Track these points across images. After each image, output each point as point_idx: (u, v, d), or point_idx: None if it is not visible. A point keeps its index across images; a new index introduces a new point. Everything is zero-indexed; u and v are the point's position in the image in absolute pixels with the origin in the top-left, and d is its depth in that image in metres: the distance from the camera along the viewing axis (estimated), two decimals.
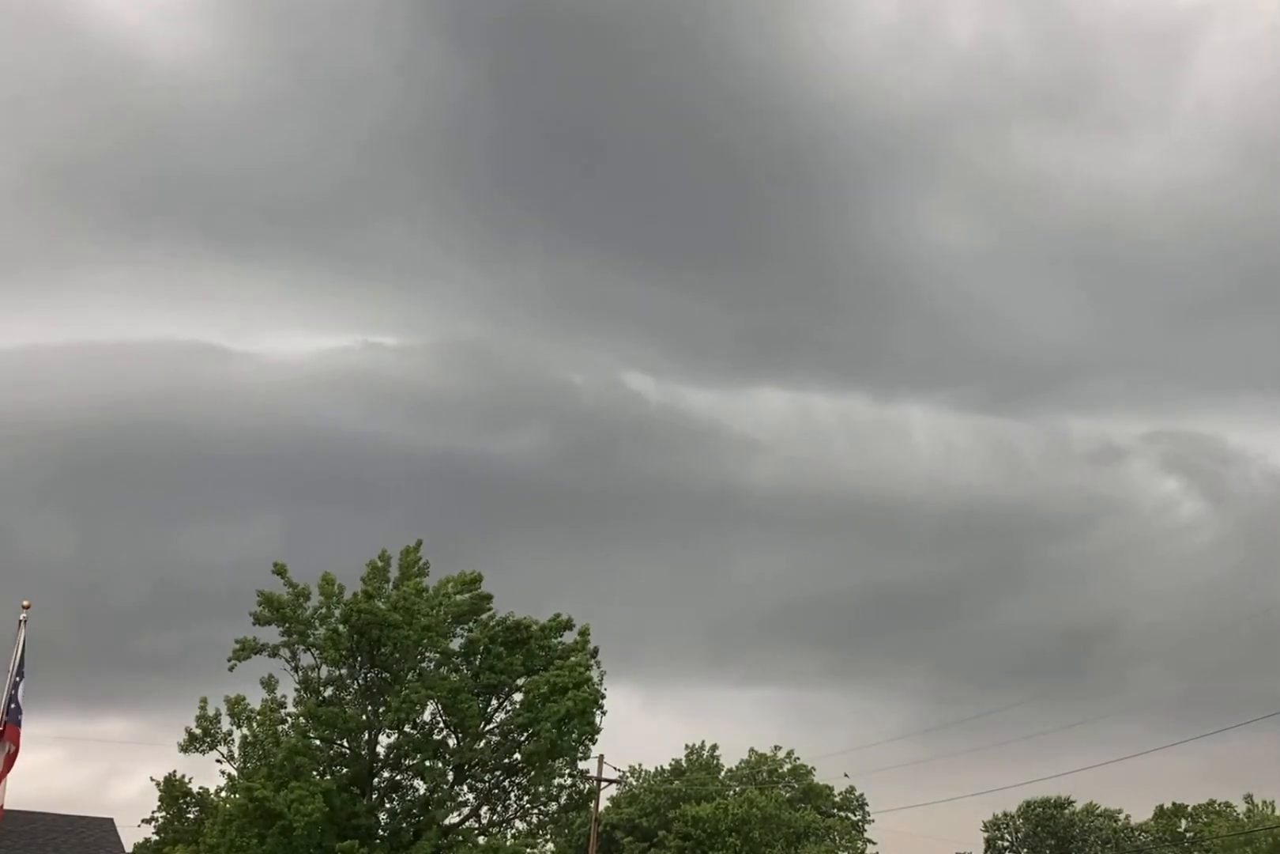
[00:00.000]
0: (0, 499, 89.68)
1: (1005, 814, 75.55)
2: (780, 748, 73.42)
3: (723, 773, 70.74)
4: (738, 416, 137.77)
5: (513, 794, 36.28)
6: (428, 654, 35.60)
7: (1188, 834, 71.30)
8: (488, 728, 35.82)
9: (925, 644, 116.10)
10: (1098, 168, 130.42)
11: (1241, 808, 68.35)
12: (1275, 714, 46.29)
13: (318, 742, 34.36)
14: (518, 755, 35.37)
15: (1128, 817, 74.23)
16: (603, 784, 48.80)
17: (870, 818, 73.14)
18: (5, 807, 19.84)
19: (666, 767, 70.23)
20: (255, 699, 35.08)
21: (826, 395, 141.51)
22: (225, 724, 34.61)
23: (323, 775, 33.78)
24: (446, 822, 34.44)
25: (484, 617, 36.62)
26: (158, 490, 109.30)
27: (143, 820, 54.51)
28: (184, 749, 34.64)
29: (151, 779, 55.36)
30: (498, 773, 35.82)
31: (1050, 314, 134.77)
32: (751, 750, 73.47)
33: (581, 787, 39.11)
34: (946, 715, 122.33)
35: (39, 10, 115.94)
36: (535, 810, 36.78)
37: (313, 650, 35.03)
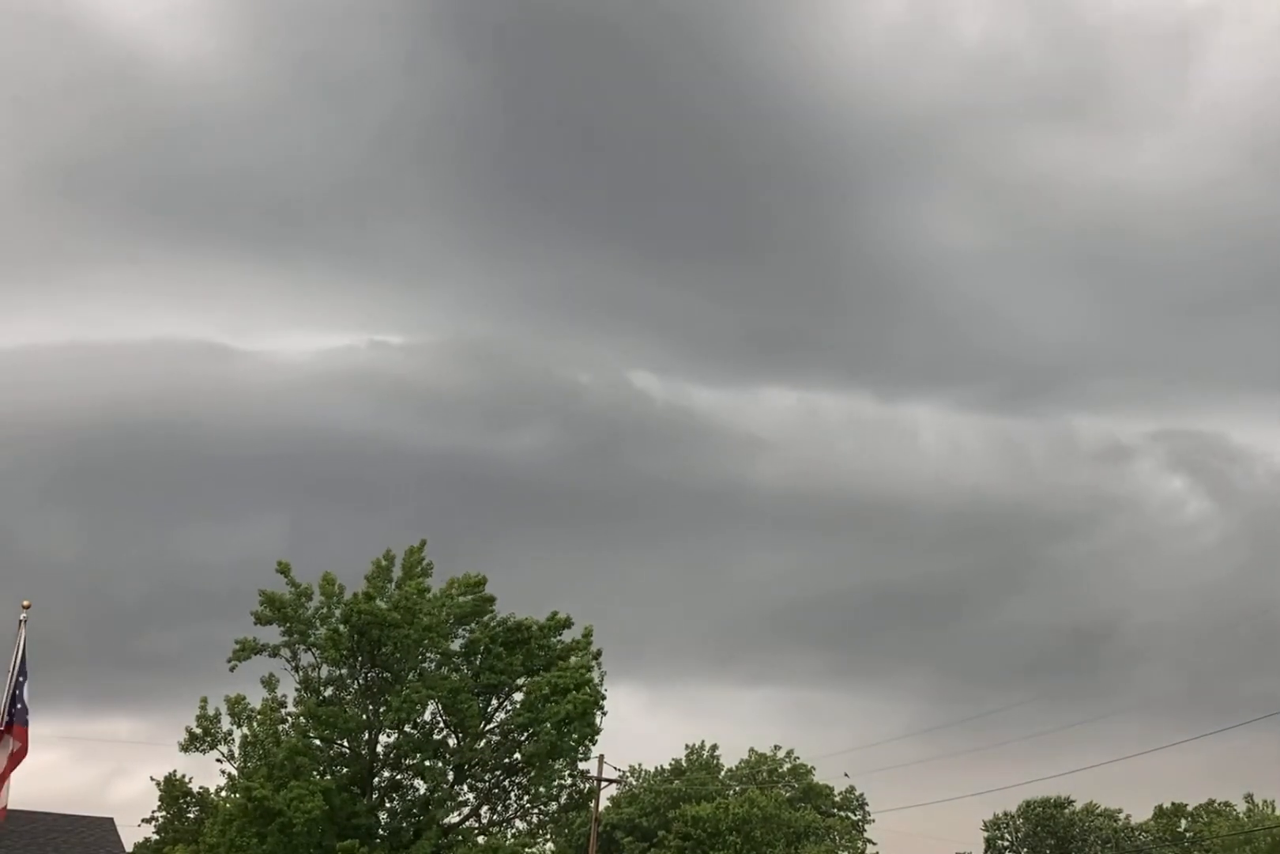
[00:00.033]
0: (2, 499, 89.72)
1: (1005, 814, 75.70)
2: (780, 748, 73.59)
3: (723, 773, 70.84)
4: (743, 416, 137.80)
5: (513, 794, 36.31)
6: (428, 654, 35.64)
7: (1188, 834, 71.35)
8: (488, 728, 35.86)
9: (930, 644, 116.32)
10: (1104, 168, 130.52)
11: (1241, 808, 68.48)
12: (1275, 714, 46.36)
13: (318, 741, 34.40)
14: (518, 755, 35.41)
15: (1128, 816, 74.35)
16: (603, 784, 48.93)
17: (870, 818, 73.30)
18: (8, 807, 19.84)
19: (666, 767, 70.37)
20: (256, 699, 35.19)
21: (832, 395, 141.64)
22: (225, 724, 34.72)
23: (323, 775, 33.83)
24: (446, 821, 34.49)
25: (485, 617, 36.66)
26: (160, 490, 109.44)
27: (143, 820, 54.65)
28: (184, 749, 34.74)
29: (151, 779, 55.48)
30: (498, 773, 35.86)
31: (1056, 313, 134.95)
32: (751, 750, 73.64)
33: (581, 786, 39.16)
34: (951, 715, 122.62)
35: (42, 9, 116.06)
36: (535, 810, 36.84)
37: (313, 650, 35.08)
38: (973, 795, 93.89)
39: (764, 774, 71.54)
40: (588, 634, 37.06)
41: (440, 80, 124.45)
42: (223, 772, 35.11)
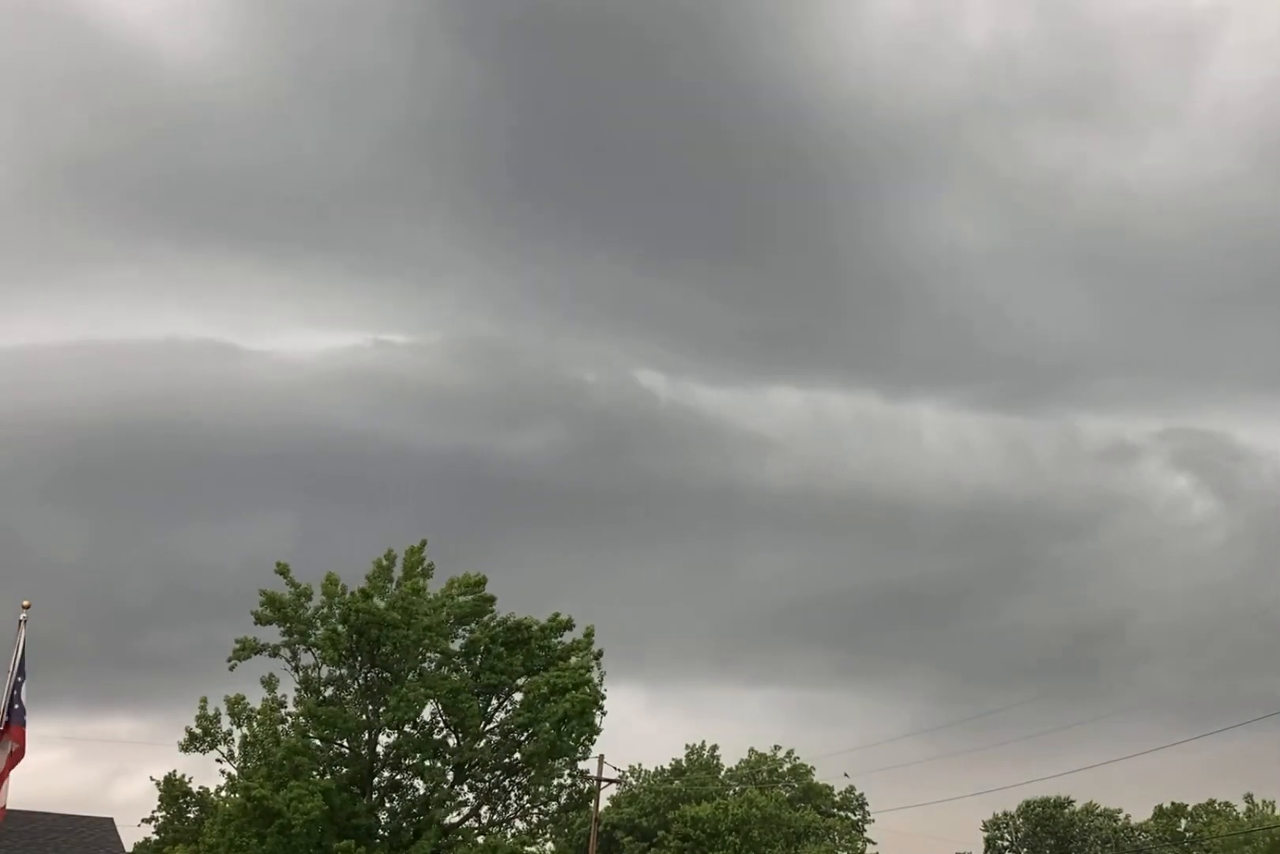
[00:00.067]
0: (4, 499, 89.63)
1: (1005, 814, 75.75)
2: (780, 747, 73.60)
3: (723, 773, 70.84)
4: (749, 415, 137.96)
5: (513, 794, 36.32)
6: (428, 654, 35.65)
7: (1187, 834, 71.39)
8: (488, 728, 35.86)
9: (932, 644, 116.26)
10: (1111, 167, 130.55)
11: (1241, 808, 68.50)
12: (1275, 714, 46.37)
13: (317, 741, 34.39)
14: (518, 755, 35.41)
15: (1127, 816, 74.41)
16: (603, 784, 48.93)
17: (870, 818, 73.32)
18: (7, 807, 19.84)
19: (666, 767, 70.37)
20: (256, 699, 35.19)
21: (838, 394, 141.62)
22: (225, 724, 34.71)
23: (322, 775, 33.83)
24: (446, 821, 34.47)
25: (485, 617, 36.66)
26: (163, 490, 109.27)
27: (143, 820, 54.69)
28: (184, 749, 34.75)
29: (151, 779, 55.53)
30: (498, 773, 35.86)
31: (1062, 313, 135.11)
32: (751, 750, 73.65)
33: (581, 786, 39.18)
34: (954, 715, 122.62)
35: (46, 8, 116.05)
36: (535, 810, 36.85)
37: (313, 650, 35.08)
38: (973, 795, 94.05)
39: (764, 774, 71.55)
40: (589, 634, 37.07)
41: (446, 80, 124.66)
42: (222, 772, 35.18)
